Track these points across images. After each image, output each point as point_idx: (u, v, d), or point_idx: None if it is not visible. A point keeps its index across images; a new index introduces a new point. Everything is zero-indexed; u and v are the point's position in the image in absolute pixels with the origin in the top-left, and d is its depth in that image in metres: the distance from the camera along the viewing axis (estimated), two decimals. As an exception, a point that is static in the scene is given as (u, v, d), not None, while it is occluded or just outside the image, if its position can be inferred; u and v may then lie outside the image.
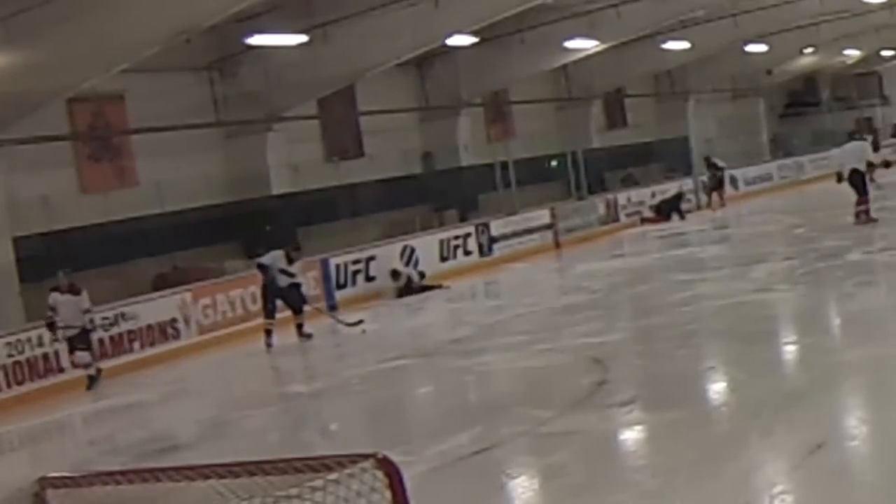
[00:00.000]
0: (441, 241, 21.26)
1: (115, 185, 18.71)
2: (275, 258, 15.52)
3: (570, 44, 24.61)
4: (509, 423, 9.18)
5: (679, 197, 27.99)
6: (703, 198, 29.19)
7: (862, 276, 15.60)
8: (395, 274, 19.26)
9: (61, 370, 13.96)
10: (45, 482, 4.06)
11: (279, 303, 15.78)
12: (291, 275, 15.57)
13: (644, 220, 27.06)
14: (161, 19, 14.35)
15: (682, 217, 27.20)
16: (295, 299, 15.66)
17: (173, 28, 14.85)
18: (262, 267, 15.55)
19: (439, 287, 19.23)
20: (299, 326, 15.60)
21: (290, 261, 15.57)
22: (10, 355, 13.46)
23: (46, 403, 13.18)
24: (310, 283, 17.88)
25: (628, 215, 26.99)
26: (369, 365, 13.16)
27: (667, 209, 27.39)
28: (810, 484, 6.85)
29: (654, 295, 15.88)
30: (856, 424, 8.22)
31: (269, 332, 15.37)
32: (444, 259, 21.10)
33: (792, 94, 42.30)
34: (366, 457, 3.32)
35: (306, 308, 15.81)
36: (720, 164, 29.18)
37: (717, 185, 28.97)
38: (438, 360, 13.06)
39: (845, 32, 32.78)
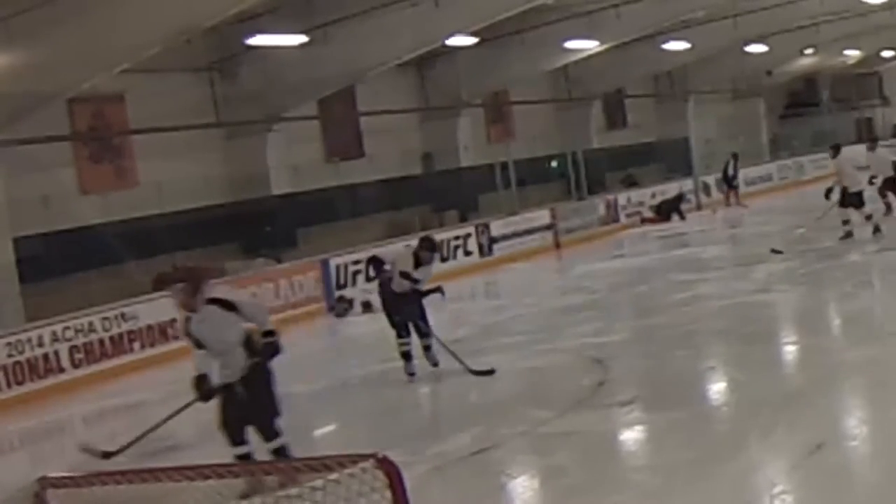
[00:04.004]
0: (441, 242, 21.23)
1: (115, 185, 18.71)
2: (398, 258, 11.94)
3: (570, 44, 24.61)
4: (509, 423, 9.19)
5: (680, 198, 28.04)
6: (703, 197, 29.45)
7: (861, 276, 15.63)
8: (340, 300, 18.00)
9: (61, 370, 13.96)
10: (45, 482, 4.07)
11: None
12: (415, 280, 11.70)
13: (644, 221, 27.07)
14: (161, 19, 14.35)
15: (682, 217, 27.21)
16: (413, 314, 11.75)
17: (173, 28, 14.85)
18: (377, 264, 12.14)
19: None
20: (426, 349, 11.87)
21: (418, 264, 11.72)
22: (10, 355, 13.45)
23: (46, 403, 13.17)
24: (310, 284, 17.91)
25: (628, 215, 26.99)
26: (369, 365, 13.15)
27: (667, 209, 27.41)
28: (810, 484, 6.86)
29: (654, 295, 15.89)
30: (856, 424, 8.23)
31: (407, 356, 11.77)
32: (444, 259, 21.07)
33: (792, 94, 42.29)
34: (366, 457, 3.33)
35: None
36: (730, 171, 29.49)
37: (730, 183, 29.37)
38: (439, 359, 13.04)
39: (845, 33, 32.77)
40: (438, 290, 18.28)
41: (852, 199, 18.51)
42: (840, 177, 18.78)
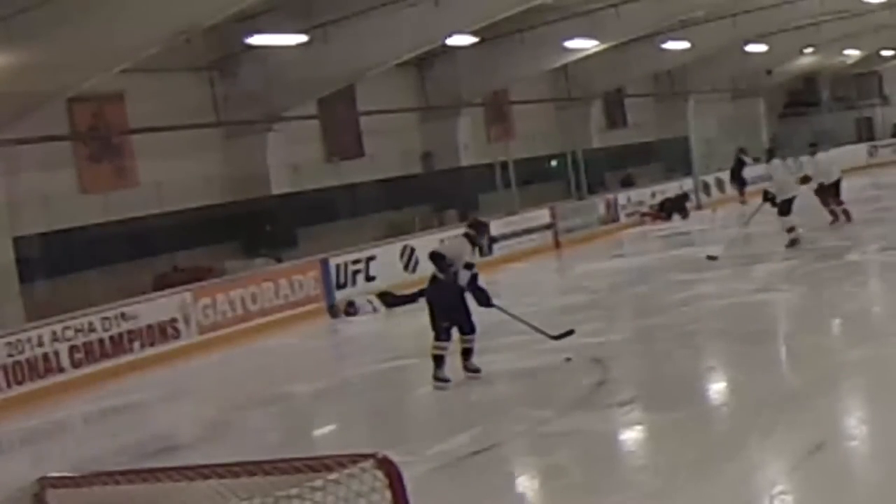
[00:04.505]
0: (441, 242, 21.19)
1: (115, 185, 18.70)
2: (460, 250, 11.09)
3: (570, 44, 24.61)
4: (509, 423, 9.19)
5: (685, 197, 28.12)
6: (702, 197, 29.58)
7: (861, 276, 15.64)
8: (333, 308, 17.79)
9: (61, 370, 13.95)
10: (45, 482, 4.07)
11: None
12: (470, 265, 11.08)
13: (644, 215, 27.09)
14: (161, 19, 14.35)
15: (684, 216, 27.24)
16: (466, 310, 11.01)
17: (173, 28, 14.85)
18: (441, 259, 11.04)
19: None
20: (466, 353, 11.11)
21: (474, 247, 11.28)
22: (10, 355, 13.44)
23: (46, 403, 13.18)
24: (310, 284, 17.91)
25: (628, 215, 27.01)
26: (369, 365, 13.16)
27: (671, 208, 27.46)
28: (810, 484, 6.86)
29: (654, 295, 15.89)
30: (856, 424, 8.23)
31: (440, 360, 10.97)
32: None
33: (792, 94, 42.30)
34: (366, 457, 3.32)
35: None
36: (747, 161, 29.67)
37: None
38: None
39: (845, 32, 32.78)
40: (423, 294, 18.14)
41: (781, 207, 18.40)
42: (773, 183, 18.69)
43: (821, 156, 21.45)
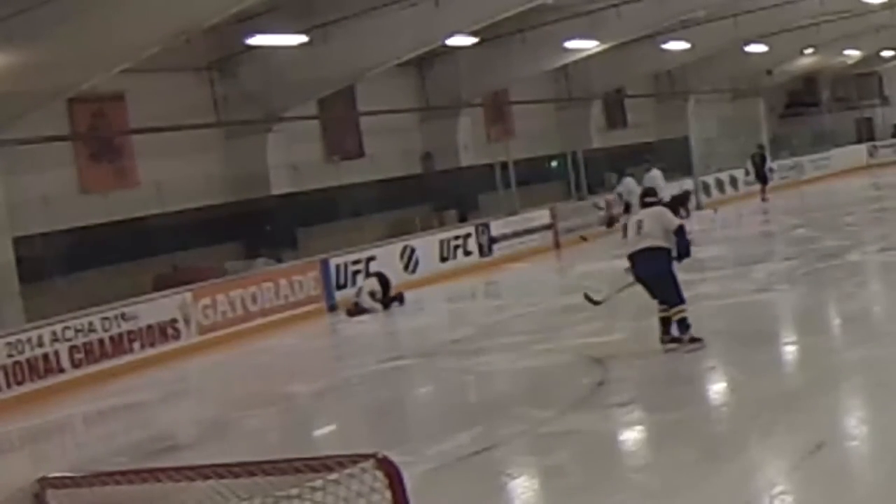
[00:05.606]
0: (441, 242, 21.24)
1: (115, 185, 18.70)
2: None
3: (570, 44, 24.61)
4: (509, 423, 9.19)
5: (686, 196, 28.10)
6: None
7: (862, 276, 15.64)
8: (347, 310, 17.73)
9: (61, 370, 13.95)
10: (45, 482, 4.07)
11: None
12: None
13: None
14: (161, 19, 14.34)
15: (686, 216, 27.23)
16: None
17: (173, 28, 14.84)
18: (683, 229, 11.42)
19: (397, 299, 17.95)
20: (669, 321, 11.29)
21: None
22: (10, 355, 13.44)
23: (46, 403, 13.18)
24: (310, 284, 17.91)
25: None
26: (369, 365, 13.16)
27: (674, 206, 27.43)
28: (810, 484, 6.86)
29: (654, 295, 15.85)
30: (856, 424, 8.23)
31: (672, 322, 11.32)
32: (444, 259, 21.09)
33: (792, 94, 42.29)
34: (366, 457, 3.32)
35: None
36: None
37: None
38: (438, 360, 13.05)
39: (845, 32, 32.77)
40: (399, 297, 18.06)
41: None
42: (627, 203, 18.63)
43: (655, 173, 21.29)
